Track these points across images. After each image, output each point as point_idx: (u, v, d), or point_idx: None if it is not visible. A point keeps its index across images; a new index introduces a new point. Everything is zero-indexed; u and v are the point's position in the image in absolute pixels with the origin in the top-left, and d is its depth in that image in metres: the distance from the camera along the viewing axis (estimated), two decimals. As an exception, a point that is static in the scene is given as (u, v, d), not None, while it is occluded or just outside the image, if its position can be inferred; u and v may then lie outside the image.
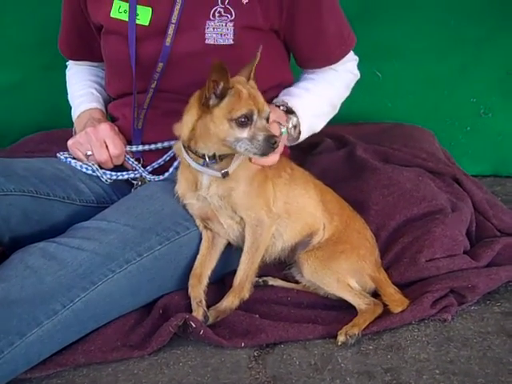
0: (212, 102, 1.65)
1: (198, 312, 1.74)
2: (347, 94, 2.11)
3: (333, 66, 2.04)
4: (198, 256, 1.84)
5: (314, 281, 1.81)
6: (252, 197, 1.77)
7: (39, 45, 2.64)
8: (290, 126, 1.92)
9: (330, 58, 2.02)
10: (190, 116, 1.71)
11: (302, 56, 2.04)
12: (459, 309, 1.82)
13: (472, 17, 2.66)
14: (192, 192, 1.79)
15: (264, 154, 1.65)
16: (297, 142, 2.00)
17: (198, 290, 1.78)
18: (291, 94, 1.97)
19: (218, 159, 1.72)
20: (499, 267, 1.91)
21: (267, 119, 1.69)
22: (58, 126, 2.49)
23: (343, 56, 2.02)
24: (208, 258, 1.84)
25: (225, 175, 1.73)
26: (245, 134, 1.64)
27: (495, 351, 1.65)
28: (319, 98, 2.01)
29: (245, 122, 1.64)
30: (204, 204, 1.79)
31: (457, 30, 2.68)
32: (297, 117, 1.93)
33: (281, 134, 1.83)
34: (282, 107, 1.93)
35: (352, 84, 2.12)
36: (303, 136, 1.98)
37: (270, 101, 1.88)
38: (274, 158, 1.73)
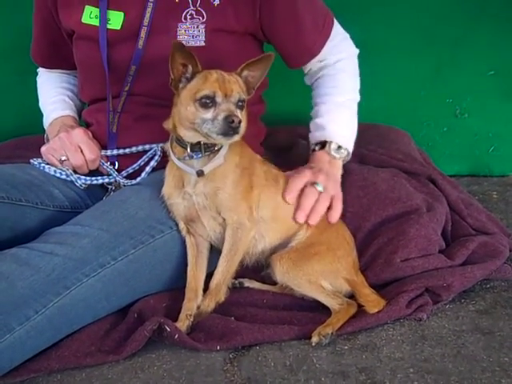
0: (181, 85, 1.70)
1: (184, 323, 1.73)
2: (357, 80, 2.13)
3: (333, 67, 2.06)
4: (189, 267, 1.83)
5: (286, 282, 1.81)
6: (236, 199, 1.77)
7: (15, 50, 2.63)
8: (332, 150, 2.01)
9: (311, 51, 2.04)
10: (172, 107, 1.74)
11: (286, 55, 2.05)
12: (434, 308, 1.82)
13: (446, 18, 2.69)
14: (179, 189, 1.78)
15: (224, 134, 1.66)
16: (351, 154, 2.08)
17: (192, 303, 1.78)
18: (319, 128, 2.05)
19: (204, 152, 1.73)
20: (474, 266, 1.92)
21: (240, 106, 1.70)
22: (34, 132, 2.46)
23: (323, 45, 2.03)
24: (198, 267, 1.83)
25: (200, 174, 1.74)
26: (209, 115, 1.66)
27: (469, 349, 1.66)
28: (341, 111, 2.06)
29: (208, 103, 1.66)
30: (189, 204, 1.78)
31: (432, 31, 2.71)
32: (335, 141, 2.01)
33: (319, 192, 1.89)
34: (317, 146, 2.03)
35: (356, 67, 2.13)
36: (351, 146, 2.07)
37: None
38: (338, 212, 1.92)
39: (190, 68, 1.68)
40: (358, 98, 2.12)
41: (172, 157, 1.78)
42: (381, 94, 2.74)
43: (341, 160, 2.04)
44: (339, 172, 2.03)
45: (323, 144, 2.03)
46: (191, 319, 1.74)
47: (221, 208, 1.78)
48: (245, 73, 1.74)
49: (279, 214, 1.87)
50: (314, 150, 2.06)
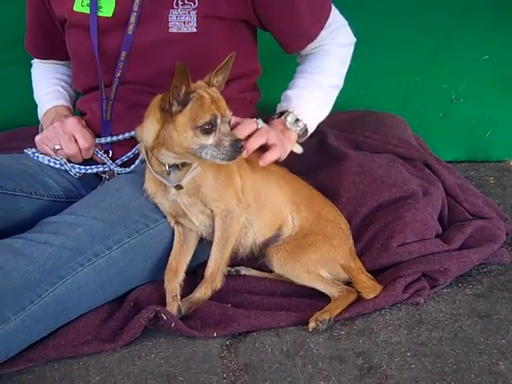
0: (174, 108, 1.61)
1: (173, 306, 1.73)
2: (345, 68, 2.09)
3: (323, 47, 2.03)
4: (172, 251, 1.83)
5: (284, 273, 1.81)
6: (220, 189, 1.76)
7: (11, 41, 2.60)
8: (288, 121, 1.95)
9: (309, 35, 2.00)
10: (152, 124, 1.67)
11: (282, 40, 2.03)
12: (431, 292, 1.83)
13: (441, 4, 2.67)
14: (161, 191, 1.77)
15: (231, 158, 1.64)
16: (310, 133, 2.02)
17: (173, 283, 1.77)
18: (287, 99, 2.00)
19: (180, 166, 1.71)
20: (470, 250, 1.92)
21: (229, 123, 1.68)
22: (30, 123, 2.45)
23: (320, 30, 1.99)
24: (182, 252, 1.82)
25: (178, 188, 1.73)
26: (210, 140, 1.62)
27: (466, 332, 1.67)
28: (315, 90, 2.01)
29: (209, 128, 1.62)
30: (174, 203, 1.78)
31: (426, 17, 2.69)
32: (294, 113, 1.96)
33: (258, 126, 1.84)
34: (276, 115, 1.97)
35: (348, 55, 2.09)
36: (313, 125, 2.01)
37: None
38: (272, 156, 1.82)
39: (182, 89, 1.59)
40: (340, 84, 2.08)
41: (149, 168, 1.75)
42: (377, 81, 2.73)
43: (295, 133, 1.97)
44: (290, 143, 1.95)
45: (282, 113, 1.98)
46: (178, 299, 1.74)
47: (206, 200, 1.76)
48: (215, 80, 1.70)
49: (261, 199, 1.84)
50: (273, 118, 2.00)
